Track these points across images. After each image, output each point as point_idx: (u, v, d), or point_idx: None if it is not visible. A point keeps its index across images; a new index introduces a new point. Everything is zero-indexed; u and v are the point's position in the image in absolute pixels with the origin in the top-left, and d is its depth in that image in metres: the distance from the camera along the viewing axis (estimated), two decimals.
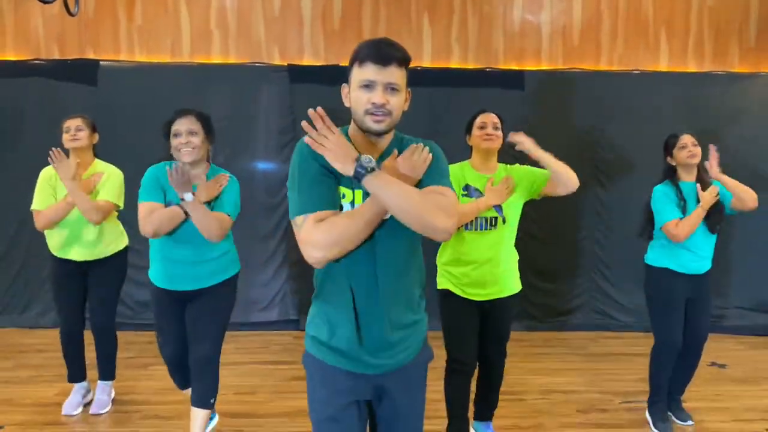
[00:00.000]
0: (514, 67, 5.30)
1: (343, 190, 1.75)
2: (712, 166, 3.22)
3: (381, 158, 1.79)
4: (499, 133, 2.95)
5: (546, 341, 5.04)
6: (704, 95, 5.21)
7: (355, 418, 1.79)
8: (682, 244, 3.26)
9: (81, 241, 3.36)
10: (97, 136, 3.49)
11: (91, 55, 5.16)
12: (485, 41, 5.29)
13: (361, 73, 1.73)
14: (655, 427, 3.35)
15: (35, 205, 3.35)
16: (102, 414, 3.49)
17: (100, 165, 3.46)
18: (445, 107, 5.05)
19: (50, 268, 3.54)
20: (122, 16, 5.18)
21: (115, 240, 3.47)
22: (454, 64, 5.29)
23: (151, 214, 2.66)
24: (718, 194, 3.22)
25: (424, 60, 5.26)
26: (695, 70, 5.32)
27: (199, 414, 2.83)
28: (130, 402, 3.66)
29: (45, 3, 3.93)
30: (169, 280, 2.83)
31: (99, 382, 3.59)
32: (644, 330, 5.05)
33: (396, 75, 1.73)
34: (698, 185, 3.26)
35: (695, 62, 5.34)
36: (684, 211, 3.25)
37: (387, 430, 1.87)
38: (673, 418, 3.47)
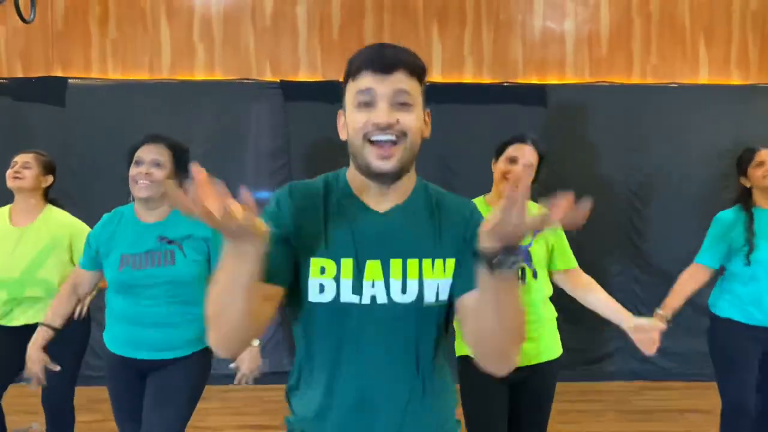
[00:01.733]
0: (535, 81, 4.99)
1: (321, 262, 1.21)
2: None
3: (391, 234, 1.25)
4: (531, 170, 2.35)
5: (581, 397, 4.44)
6: (750, 110, 4.87)
7: None
8: (753, 291, 2.76)
9: (24, 301, 2.78)
10: (51, 179, 2.91)
11: (59, 73, 4.79)
12: (502, 52, 4.99)
13: (356, 87, 1.23)
14: None
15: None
16: None
17: (55, 213, 2.88)
18: (458, 128, 4.68)
19: None
20: (94, 29, 4.82)
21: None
22: (467, 78, 4.99)
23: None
24: None
25: (434, 74, 4.91)
26: (740, 82, 5.01)
27: None
28: None
29: None
30: (126, 347, 2.25)
31: None
32: (690, 378, 4.62)
33: (405, 83, 1.20)
34: None
35: (739, 73, 5.03)
36: (751, 247, 2.70)
37: None
38: None
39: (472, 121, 4.76)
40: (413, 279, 1.21)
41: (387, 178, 1.20)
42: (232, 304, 1.09)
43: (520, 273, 2.27)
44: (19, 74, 4.76)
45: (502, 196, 2.23)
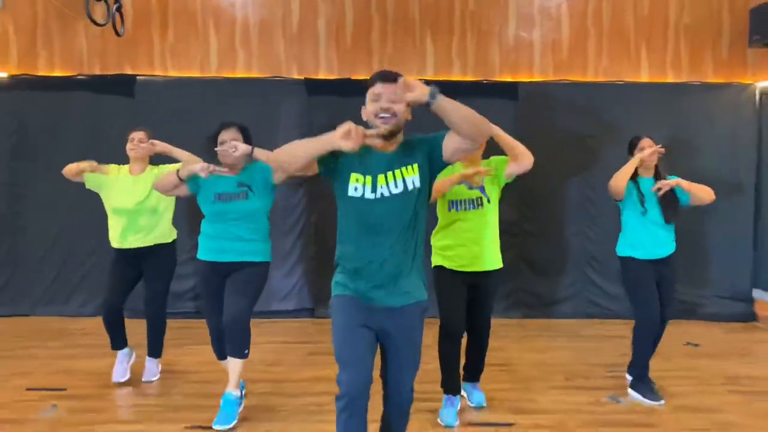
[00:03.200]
0: (509, 79, 5.84)
1: (355, 176, 2.33)
2: (667, 183, 3.69)
3: (392, 157, 2.35)
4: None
5: (539, 327, 5.53)
6: (681, 103, 5.73)
7: (366, 337, 2.32)
8: (642, 235, 3.77)
9: (137, 227, 3.88)
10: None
11: (128, 71, 5.74)
12: (482, 56, 5.85)
13: (372, 92, 2.33)
14: (646, 398, 3.74)
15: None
16: (152, 381, 4.02)
17: (156, 168, 3.99)
18: None
19: (111, 259, 4.02)
20: (156, 36, 5.77)
21: (168, 232, 4.01)
22: (455, 76, 5.84)
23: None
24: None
25: (428, 73, 5.81)
26: (673, 81, 5.85)
27: (234, 364, 3.35)
28: (175, 371, 4.20)
29: (98, 26, 4.54)
30: (215, 253, 3.39)
31: (147, 358, 4.11)
32: (631, 317, 5.60)
33: (397, 90, 2.25)
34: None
35: (673, 73, 5.87)
36: (642, 203, 3.75)
37: (392, 358, 2.41)
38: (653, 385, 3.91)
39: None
40: (399, 179, 2.31)
41: (387, 135, 2.31)
42: (306, 157, 2.27)
43: (478, 200, 3.38)
44: (97, 72, 5.72)
45: (467, 158, 3.31)
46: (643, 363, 3.81)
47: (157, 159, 4.06)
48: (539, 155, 5.66)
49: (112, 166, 4.02)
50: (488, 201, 3.40)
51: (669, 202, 3.73)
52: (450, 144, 2.30)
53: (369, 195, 2.33)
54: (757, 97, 5.78)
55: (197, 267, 3.54)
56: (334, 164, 2.36)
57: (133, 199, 3.87)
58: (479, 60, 5.86)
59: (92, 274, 5.68)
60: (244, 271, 3.37)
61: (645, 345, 3.81)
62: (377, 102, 2.30)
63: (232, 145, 3.31)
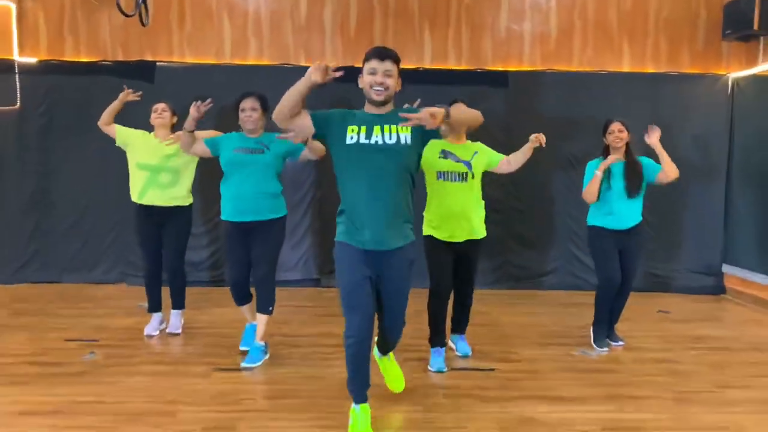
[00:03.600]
0: (500, 68, 6.29)
1: (352, 127, 2.80)
2: (651, 136, 4.23)
3: (388, 116, 2.83)
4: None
5: (525, 297, 6.04)
6: (659, 92, 6.20)
7: (368, 287, 2.83)
8: (607, 208, 4.26)
9: (158, 183, 4.35)
10: (176, 119, 4.51)
11: (149, 57, 6.20)
12: (476, 46, 6.31)
13: (368, 65, 2.80)
14: (595, 344, 4.35)
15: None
16: (177, 333, 4.53)
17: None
18: (443, 101, 5.97)
19: (134, 220, 4.52)
20: (175, 25, 6.23)
21: (185, 196, 4.48)
22: (450, 65, 6.29)
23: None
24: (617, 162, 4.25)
25: (425, 62, 6.27)
26: (653, 71, 6.31)
27: (261, 318, 3.91)
28: (195, 328, 4.70)
29: (126, 16, 5.00)
30: (237, 214, 3.89)
31: (172, 311, 4.61)
32: None
33: (390, 66, 2.76)
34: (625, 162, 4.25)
35: (652, 64, 6.33)
36: (608, 180, 4.23)
37: (385, 300, 2.94)
38: (609, 341, 4.45)
39: (454, 96, 5.91)
40: (394, 133, 2.76)
41: (379, 103, 2.79)
42: (293, 101, 2.71)
43: (464, 175, 3.85)
44: (120, 58, 6.17)
45: (451, 135, 3.82)
46: (603, 319, 4.35)
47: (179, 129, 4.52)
48: (527, 137, 6.14)
49: (139, 130, 4.51)
50: (473, 177, 3.89)
51: (633, 178, 4.20)
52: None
53: (363, 140, 2.78)
54: (730, 86, 6.24)
55: (223, 226, 4.05)
56: (328, 123, 2.82)
57: (157, 155, 4.36)
58: (473, 50, 6.31)
59: (115, 245, 6.20)
60: (264, 232, 3.88)
61: (604, 304, 4.34)
62: (373, 76, 2.76)
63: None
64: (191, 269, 6.03)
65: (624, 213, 4.25)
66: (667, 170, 4.24)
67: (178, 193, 4.43)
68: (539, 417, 3.19)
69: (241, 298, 4.09)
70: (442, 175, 3.85)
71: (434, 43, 6.30)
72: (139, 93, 4.60)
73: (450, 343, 4.18)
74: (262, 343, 3.96)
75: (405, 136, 2.80)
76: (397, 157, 2.79)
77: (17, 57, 6.09)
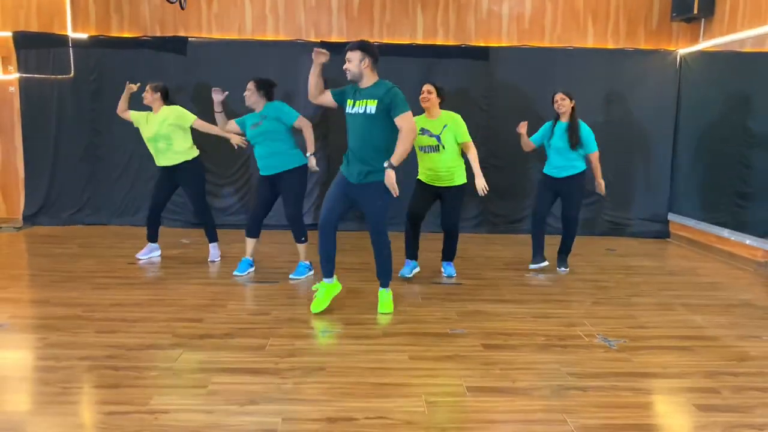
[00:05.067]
0: (482, 44, 7.27)
1: (349, 100, 4.00)
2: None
3: (364, 92, 3.95)
4: (433, 96, 4.95)
5: (500, 240, 7.19)
6: (618, 65, 7.21)
7: (340, 198, 4.09)
8: (548, 160, 5.41)
9: (159, 149, 5.46)
10: (160, 95, 5.49)
11: (182, 33, 7.22)
12: (461, 24, 7.29)
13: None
14: (532, 261, 5.55)
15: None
16: (215, 261, 5.70)
17: (168, 107, 5.48)
18: (433, 72, 7.01)
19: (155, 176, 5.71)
20: (204, 4, 7.25)
21: (187, 151, 5.50)
22: (439, 41, 7.27)
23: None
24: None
25: (418, 38, 7.27)
26: (613, 47, 7.31)
27: (299, 246, 5.16)
28: (229, 256, 5.88)
29: (170, 2, 6.04)
30: (263, 169, 5.03)
31: (210, 244, 5.78)
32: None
33: (348, 54, 3.92)
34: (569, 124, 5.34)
35: (613, 41, 7.32)
36: (550, 137, 5.38)
37: (367, 211, 4.13)
38: (557, 268, 5.61)
39: (441, 69, 6.97)
40: (364, 105, 3.90)
41: (352, 81, 3.97)
42: (313, 81, 4.01)
43: (435, 147, 4.94)
44: (158, 34, 7.20)
45: (426, 110, 4.95)
46: (535, 243, 5.55)
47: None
48: (505, 105, 7.24)
49: (144, 113, 5.58)
50: (443, 147, 4.98)
51: (572, 136, 5.27)
52: (395, 121, 3.94)
53: (350, 111, 4.01)
54: (678, 61, 7.26)
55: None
56: (340, 97, 4.04)
57: (151, 130, 5.44)
58: (459, 28, 7.30)
59: None
60: (284, 181, 5.00)
61: (533, 231, 5.58)
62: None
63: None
64: (217, 214, 7.19)
65: (561, 164, 5.36)
66: (594, 166, 5.41)
67: (177, 151, 5.45)
68: (487, 310, 4.37)
69: (252, 232, 5.23)
70: (422, 148, 5.00)
71: (425, 21, 7.27)
72: (138, 84, 5.66)
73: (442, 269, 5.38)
74: (306, 262, 5.23)
75: (370, 107, 3.92)
76: (366, 123, 3.96)
77: (71, 33, 7.16)
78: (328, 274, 4.24)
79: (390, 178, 3.87)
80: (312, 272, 5.23)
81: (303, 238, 5.16)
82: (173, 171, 5.51)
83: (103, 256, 5.82)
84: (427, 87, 4.98)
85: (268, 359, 3.37)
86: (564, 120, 5.37)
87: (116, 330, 3.79)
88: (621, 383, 3.15)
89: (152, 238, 5.76)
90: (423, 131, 4.95)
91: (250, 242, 5.27)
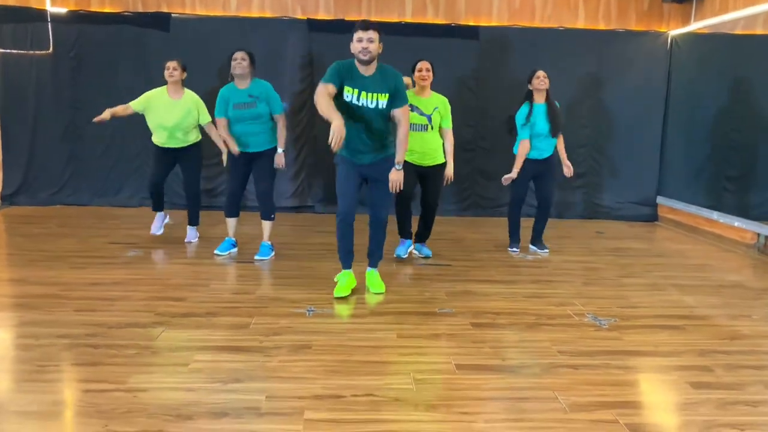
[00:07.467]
0: (472, 23, 7.16)
1: (347, 88, 3.80)
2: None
3: (372, 82, 3.80)
4: (431, 74, 4.88)
5: (486, 222, 7.12)
6: (609, 46, 7.14)
7: (355, 179, 3.97)
8: (532, 143, 5.29)
9: (175, 137, 5.28)
10: (185, 74, 5.32)
11: (165, 9, 7.04)
12: (451, 3, 7.16)
13: (356, 35, 3.77)
14: (510, 246, 5.52)
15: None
16: (192, 242, 5.57)
17: (189, 93, 5.30)
18: (422, 52, 6.68)
19: (153, 153, 5.47)
20: None
21: (195, 136, 5.38)
22: (429, 20, 7.15)
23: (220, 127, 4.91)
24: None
25: (407, 16, 7.15)
26: (604, 28, 7.23)
27: (266, 224, 5.00)
28: (208, 238, 5.77)
29: None
30: (242, 147, 4.90)
31: (188, 226, 5.65)
32: (557, 217, 7.15)
33: (372, 34, 3.73)
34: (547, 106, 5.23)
35: (604, 22, 7.25)
36: (533, 127, 5.20)
37: (373, 191, 4.04)
38: (536, 249, 5.56)
39: (431, 47, 6.65)
40: (376, 100, 3.80)
41: (365, 62, 3.78)
42: (319, 108, 3.74)
43: (424, 126, 4.85)
44: (140, 9, 7.00)
45: (419, 87, 4.86)
46: (512, 230, 5.49)
47: (189, 84, 5.42)
48: (494, 85, 7.08)
49: (153, 91, 5.27)
50: (432, 128, 4.91)
51: (555, 119, 5.20)
52: (394, 113, 3.87)
53: (355, 102, 3.82)
54: (669, 42, 7.20)
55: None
56: (338, 82, 3.79)
57: (173, 119, 5.19)
58: (448, 6, 7.17)
59: (137, 174, 7.19)
60: (262, 159, 4.90)
61: (511, 217, 5.56)
62: (360, 43, 3.73)
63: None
64: (204, 196, 7.05)
65: (540, 147, 5.29)
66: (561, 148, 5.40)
67: (189, 138, 5.35)
68: (475, 290, 4.31)
69: (231, 212, 5.11)
70: (412, 126, 4.84)
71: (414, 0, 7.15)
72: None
73: (415, 250, 5.28)
74: (269, 242, 5.05)
75: (383, 102, 3.82)
76: (374, 114, 3.85)
77: (49, 7, 6.95)
78: (348, 265, 4.18)
79: (398, 177, 3.91)
80: (273, 253, 5.11)
81: (272, 215, 5.06)
82: (176, 152, 5.37)
83: (83, 236, 5.68)
84: (425, 65, 4.89)
85: (252, 337, 3.28)
86: (540, 101, 5.25)
87: (95, 309, 3.67)
88: (612, 361, 3.10)
89: (158, 207, 5.58)
90: (413, 108, 4.84)
91: (231, 222, 5.15)
